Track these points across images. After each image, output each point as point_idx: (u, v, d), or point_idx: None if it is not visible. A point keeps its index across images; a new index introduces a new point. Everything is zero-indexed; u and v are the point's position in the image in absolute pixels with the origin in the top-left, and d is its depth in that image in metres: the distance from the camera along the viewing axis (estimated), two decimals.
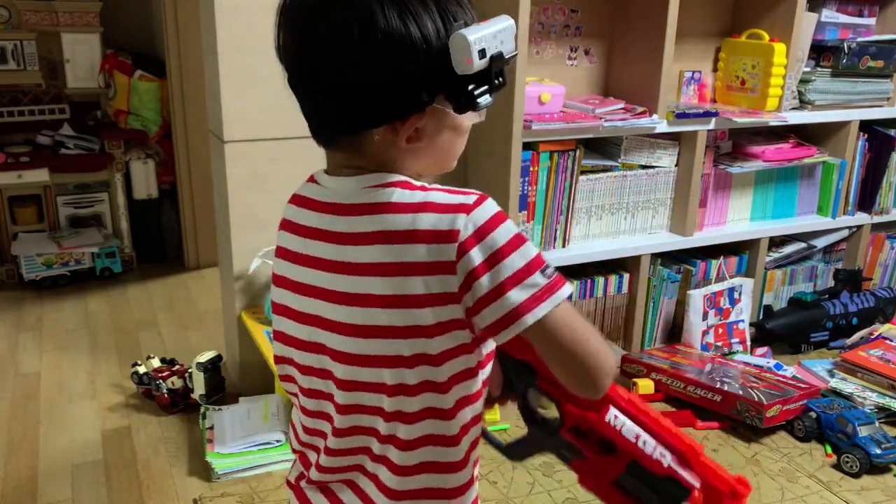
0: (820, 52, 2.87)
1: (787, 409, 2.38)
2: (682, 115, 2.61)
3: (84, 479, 2.17)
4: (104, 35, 3.74)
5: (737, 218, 2.93)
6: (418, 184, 0.88)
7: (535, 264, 0.83)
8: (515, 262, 0.82)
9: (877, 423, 2.33)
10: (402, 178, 0.88)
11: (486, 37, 0.83)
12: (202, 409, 2.39)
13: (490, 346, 0.93)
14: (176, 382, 2.49)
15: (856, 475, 2.23)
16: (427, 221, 0.83)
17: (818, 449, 2.37)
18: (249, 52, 2.29)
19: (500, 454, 0.99)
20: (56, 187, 3.64)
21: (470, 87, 0.84)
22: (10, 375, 2.74)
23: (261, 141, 2.38)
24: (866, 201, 3.14)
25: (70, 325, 3.15)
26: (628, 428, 0.90)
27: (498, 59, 0.84)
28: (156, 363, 2.60)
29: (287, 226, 0.98)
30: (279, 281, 0.97)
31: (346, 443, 0.94)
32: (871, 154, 3.10)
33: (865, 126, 3.04)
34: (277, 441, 2.23)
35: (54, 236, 3.59)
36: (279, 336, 0.99)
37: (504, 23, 0.87)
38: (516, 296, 0.82)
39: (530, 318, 0.83)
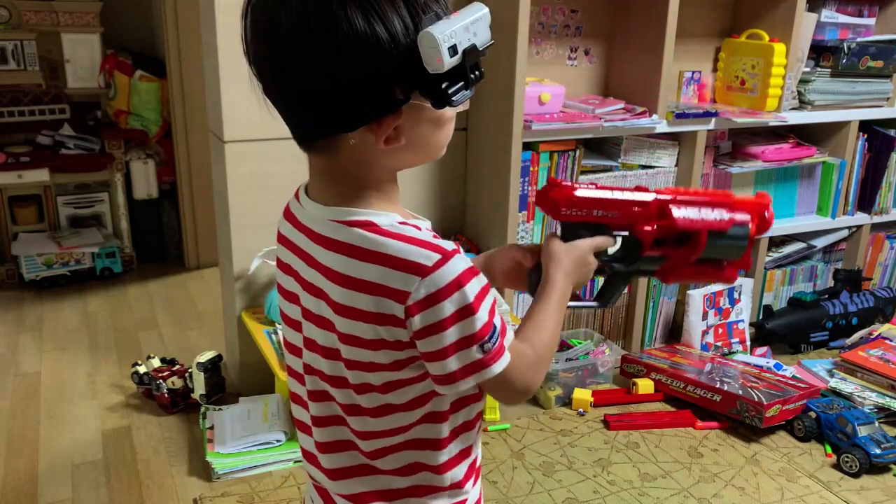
0: (820, 52, 2.87)
1: (786, 409, 2.38)
2: (681, 115, 2.61)
3: (84, 479, 2.17)
4: (104, 35, 3.74)
5: None
6: (385, 223, 0.85)
7: (476, 338, 0.84)
8: (456, 333, 0.83)
9: (876, 423, 2.34)
10: (367, 215, 0.86)
11: (456, 31, 0.78)
12: (202, 409, 2.39)
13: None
14: (176, 382, 2.49)
15: (855, 475, 2.23)
16: (379, 275, 0.83)
17: (818, 449, 2.37)
18: None
19: (595, 307, 1.10)
20: (56, 187, 3.64)
21: (444, 85, 0.80)
22: (10, 375, 2.74)
23: (261, 141, 2.38)
24: (866, 201, 3.14)
25: (70, 325, 3.15)
26: (691, 214, 1.02)
27: (471, 52, 0.80)
28: (156, 363, 2.60)
29: (280, 238, 1.00)
30: (280, 289, 1.01)
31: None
32: (870, 154, 3.10)
33: (865, 126, 3.04)
34: (277, 441, 2.23)
35: (54, 236, 3.59)
36: (285, 338, 1.02)
37: (477, 12, 0.81)
38: (452, 364, 0.85)
39: (462, 386, 0.86)
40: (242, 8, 0.86)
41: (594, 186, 1.02)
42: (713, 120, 2.67)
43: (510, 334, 0.90)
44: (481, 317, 0.84)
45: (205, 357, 2.47)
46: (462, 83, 0.82)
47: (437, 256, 0.82)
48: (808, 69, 2.85)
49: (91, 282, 3.56)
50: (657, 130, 2.59)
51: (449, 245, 0.84)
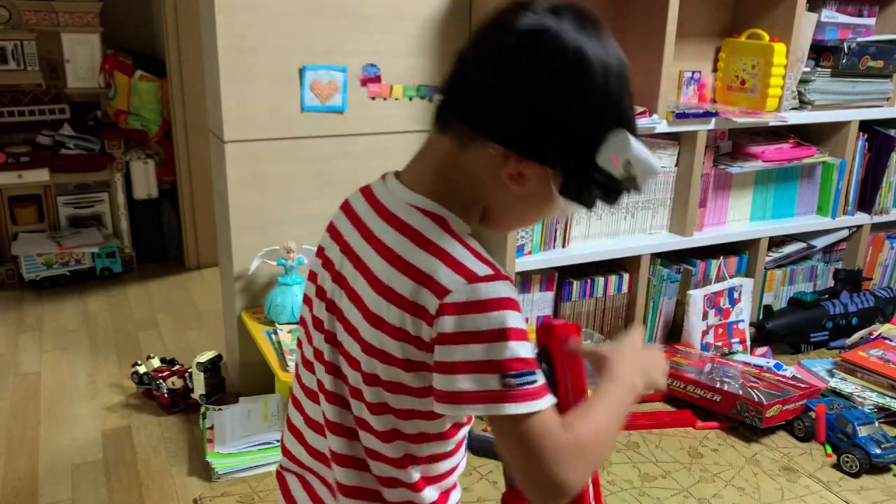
0: (820, 52, 2.87)
1: (786, 409, 2.38)
2: (681, 115, 2.61)
3: (84, 479, 2.17)
4: (104, 35, 3.74)
5: (737, 218, 2.94)
6: (456, 229, 0.86)
7: (501, 366, 0.80)
8: (480, 353, 0.80)
9: (876, 423, 2.34)
10: (447, 214, 0.87)
11: (640, 155, 0.82)
12: (202, 409, 2.39)
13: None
14: (176, 382, 2.49)
15: (855, 475, 2.23)
16: (431, 266, 0.83)
17: (818, 449, 2.37)
18: (249, 52, 2.30)
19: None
20: (56, 187, 3.64)
21: (593, 180, 0.83)
22: (10, 375, 2.74)
23: (261, 141, 2.38)
24: (866, 201, 3.14)
25: (70, 325, 3.15)
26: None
27: (630, 180, 0.84)
28: (156, 363, 2.60)
29: (344, 206, 0.99)
30: (319, 251, 1.00)
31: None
32: (870, 154, 3.10)
33: (865, 126, 3.04)
34: (277, 441, 2.23)
35: (54, 236, 3.59)
36: (302, 314, 1.02)
37: (654, 161, 0.86)
38: (463, 383, 0.81)
39: (464, 410, 0.82)
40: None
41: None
42: (713, 120, 2.67)
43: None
44: (514, 349, 0.80)
45: (205, 357, 2.47)
46: (600, 192, 0.85)
47: (490, 272, 0.82)
48: (808, 69, 2.84)
49: (91, 282, 3.56)
50: (657, 130, 2.59)
51: (504, 272, 0.84)
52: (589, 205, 0.86)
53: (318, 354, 0.97)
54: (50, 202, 3.65)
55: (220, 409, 2.36)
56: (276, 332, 2.35)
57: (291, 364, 2.18)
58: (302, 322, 1.03)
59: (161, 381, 2.48)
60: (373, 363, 0.87)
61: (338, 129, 2.48)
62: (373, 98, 2.51)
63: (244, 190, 2.40)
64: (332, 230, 0.99)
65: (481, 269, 0.82)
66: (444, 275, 0.82)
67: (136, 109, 3.69)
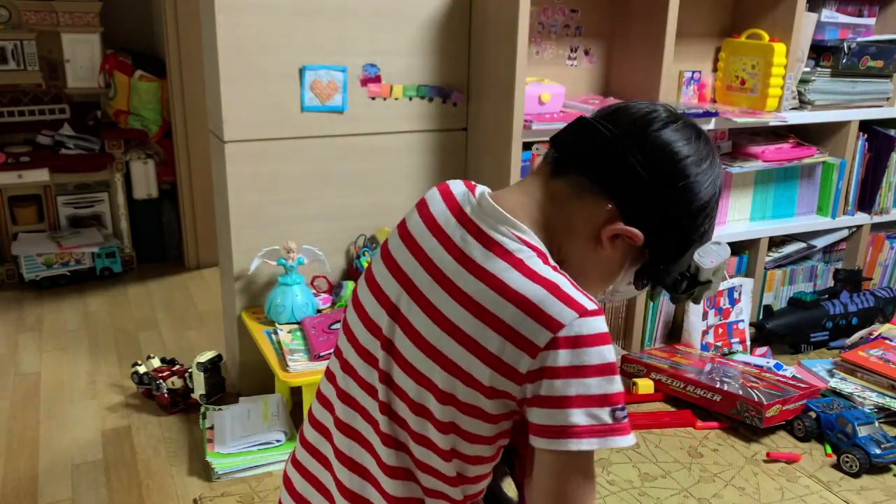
0: (820, 52, 2.86)
1: (786, 409, 2.38)
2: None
3: (84, 479, 2.17)
4: (104, 35, 3.74)
5: (736, 218, 2.94)
6: (553, 263, 0.89)
7: (611, 400, 0.82)
8: (596, 386, 0.82)
9: (876, 423, 2.33)
10: (544, 249, 0.89)
11: (721, 259, 0.98)
12: (202, 409, 2.39)
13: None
14: (176, 382, 2.49)
15: (855, 475, 2.23)
16: (540, 297, 0.83)
17: (818, 449, 2.37)
18: (249, 52, 2.30)
19: None
20: (56, 187, 3.64)
21: (673, 273, 0.94)
22: (10, 375, 2.74)
23: (261, 141, 2.39)
24: (866, 201, 3.14)
25: (70, 325, 3.15)
26: None
27: (704, 285, 0.98)
28: (156, 363, 2.60)
29: (421, 206, 0.98)
30: (384, 253, 0.99)
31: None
32: (870, 154, 3.10)
33: (865, 126, 3.04)
34: (277, 441, 2.23)
35: (54, 236, 3.59)
36: (346, 317, 1.01)
37: (726, 256, 1.01)
38: (576, 417, 0.81)
39: (574, 445, 0.82)
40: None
41: None
42: (713, 120, 2.67)
43: None
44: (619, 383, 0.83)
45: (205, 357, 2.47)
46: (670, 282, 0.96)
47: (596, 307, 0.85)
48: (808, 69, 2.84)
49: (91, 282, 3.56)
50: None
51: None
52: (648, 289, 0.96)
53: (370, 359, 0.96)
54: (50, 202, 3.65)
55: (220, 409, 2.36)
56: (276, 332, 2.35)
57: (292, 364, 2.18)
58: (345, 327, 1.01)
59: (161, 381, 2.48)
60: (453, 382, 0.86)
61: (338, 129, 2.48)
62: (373, 98, 2.51)
63: (244, 190, 2.40)
64: (406, 236, 0.96)
65: (589, 304, 0.84)
66: (556, 308, 0.82)
67: (136, 109, 3.69)
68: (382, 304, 0.94)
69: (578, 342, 0.81)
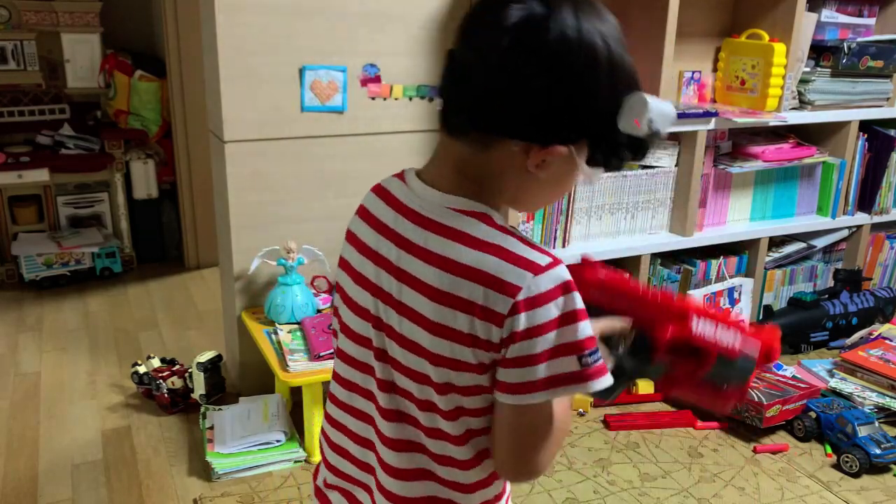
0: (820, 52, 2.87)
1: (786, 409, 2.38)
2: (681, 115, 2.61)
3: (84, 479, 2.17)
4: (104, 35, 3.74)
5: (737, 218, 2.93)
6: (499, 222, 0.87)
7: (576, 347, 0.83)
8: (554, 339, 0.82)
9: (876, 423, 2.34)
10: (486, 210, 0.87)
11: (658, 112, 0.83)
12: (202, 409, 2.39)
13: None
14: (176, 382, 2.49)
15: (855, 475, 2.23)
16: (492, 265, 0.82)
17: (818, 449, 2.37)
18: (249, 52, 2.30)
19: (597, 398, 1.06)
20: (56, 187, 3.64)
21: (619, 144, 0.84)
22: (10, 375, 2.74)
23: (261, 141, 2.38)
24: (866, 201, 3.14)
25: (70, 325, 3.15)
26: (708, 330, 0.99)
27: (654, 135, 0.85)
28: (156, 363, 2.60)
29: (363, 213, 0.97)
30: (343, 264, 0.98)
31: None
32: (870, 154, 3.10)
33: (865, 126, 3.04)
34: (277, 441, 2.23)
35: (54, 236, 3.59)
36: (340, 323, 1.00)
37: (670, 108, 0.86)
38: (541, 371, 0.83)
39: (540, 397, 0.83)
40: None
41: (627, 275, 1.04)
42: (713, 120, 2.67)
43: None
44: (584, 328, 0.83)
45: (205, 357, 2.47)
46: (629, 154, 0.86)
47: (549, 259, 0.83)
48: (808, 69, 2.84)
49: (91, 282, 3.56)
50: None
51: (555, 255, 0.85)
52: (619, 168, 0.88)
53: (366, 369, 0.96)
54: (50, 202, 3.65)
55: (220, 409, 2.36)
56: (276, 332, 2.35)
57: (292, 364, 2.18)
58: (344, 333, 1.00)
59: (161, 381, 2.48)
60: (446, 373, 0.87)
61: (338, 129, 2.48)
62: (373, 98, 2.51)
63: (244, 190, 2.40)
64: (355, 241, 0.96)
65: (542, 259, 0.83)
66: (510, 273, 0.82)
67: (136, 109, 3.69)
68: (366, 318, 0.95)
69: (537, 301, 0.81)
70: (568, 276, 0.83)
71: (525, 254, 0.83)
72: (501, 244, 0.84)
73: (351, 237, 0.98)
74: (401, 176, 0.95)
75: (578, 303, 0.83)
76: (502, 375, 0.85)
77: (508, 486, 1.00)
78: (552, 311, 0.82)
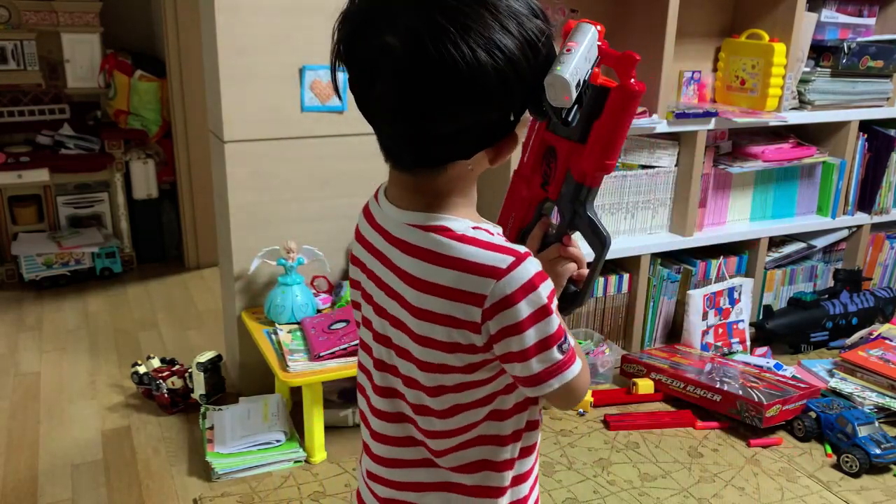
0: (820, 52, 2.87)
1: (786, 409, 2.38)
2: (681, 115, 2.61)
3: (84, 479, 2.17)
4: (104, 35, 3.74)
5: (737, 218, 2.94)
6: (459, 227, 0.86)
7: (554, 338, 0.85)
8: (535, 335, 0.84)
9: (876, 423, 2.34)
10: (444, 220, 0.86)
11: (578, 66, 0.82)
12: (202, 409, 2.39)
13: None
14: (176, 382, 2.49)
15: (855, 475, 2.23)
16: (454, 279, 0.83)
17: (818, 449, 2.37)
18: (249, 52, 2.30)
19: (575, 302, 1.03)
20: (56, 187, 3.64)
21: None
22: (10, 375, 2.74)
23: (261, 141, 2.38)
24: (866, 201, 3.14)
25: (70, 325, 3.15)
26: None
27: (589, 79, 0.85)
28: (156, 363, 2.60)
29: (357, 235, 1.00)
30: (353, 283, 1.01)
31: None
32: (870, 154, 3.10)
33: (865, 126, 3.04)
34: (277, 441, 2.23)
35: (54, 236, 3.59)
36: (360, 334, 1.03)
37: (589, 34, 0.84)
38: (535, 365, 0.85)
39: (548, 388, 0.87)
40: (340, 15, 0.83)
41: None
42: (713, 120, 2.67)
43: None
44: (555, 319, 0.85)
45: (205, 357, 2.47)
46: (576, 106, 0.87)
47: (510, 259, 0.83)
48: (808, 69, 2.84)
49: (91, 282, 3.56)
50: (657, 130, 2.59)
51: (521, 248, 0.84)
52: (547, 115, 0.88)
53: (375, 383, 0.99)
54: (50, 202, 3.65)
55: (220, 409, 2.36)
56: (276, 332, 2.35)
57: (292, 364, 2.18)
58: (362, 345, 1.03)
59: (161, 381, 2.48)
60: (436, 377, 0.89)
61: (338, 129, 2.48)
62: None
63: (244, 190, 2.40)
64: (357, 262, 0.99)
65: (503, 261, 0.82)
66: (471, 283, 0.82)
67: (135, 109, 3.69)
68: (370, 328, 0.98)
69: (505, 303, 0.82)
70: (534, 269, 0.83)
71: (486, 260, 0.83)
72: (460, 255, 0.84)
73: (353, 259, 1.01)
74: (376, 194, 0.97)
75: (546, 293, 0.84)
76: (510, 370, 0.88)
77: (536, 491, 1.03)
78: (523, 310, 0.83)
